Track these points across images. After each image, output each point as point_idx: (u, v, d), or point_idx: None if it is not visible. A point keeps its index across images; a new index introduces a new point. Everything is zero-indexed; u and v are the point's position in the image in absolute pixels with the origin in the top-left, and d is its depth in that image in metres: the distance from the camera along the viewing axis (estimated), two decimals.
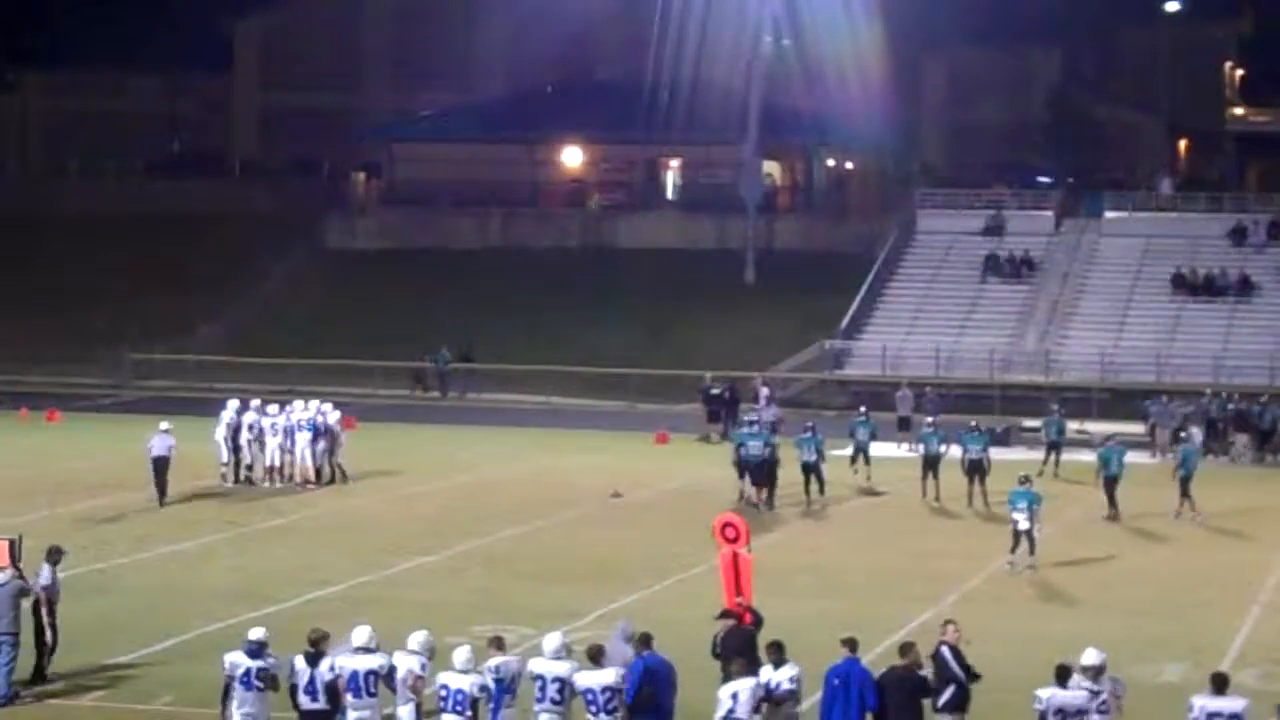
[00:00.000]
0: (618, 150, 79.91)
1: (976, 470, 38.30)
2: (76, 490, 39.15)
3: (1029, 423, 49.19)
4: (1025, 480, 31.88)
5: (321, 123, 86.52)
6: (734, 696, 17.78)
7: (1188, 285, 63.90)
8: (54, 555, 23.56)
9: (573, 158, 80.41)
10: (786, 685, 18.21)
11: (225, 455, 40.24)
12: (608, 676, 17.83)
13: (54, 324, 67.91)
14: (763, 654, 18.89)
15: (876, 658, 21.61)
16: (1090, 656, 17.80)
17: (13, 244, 74.56)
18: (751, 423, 41.54)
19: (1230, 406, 49.16)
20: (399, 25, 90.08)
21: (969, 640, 19.15)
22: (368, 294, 70.66)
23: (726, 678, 18.28)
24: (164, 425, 38.43)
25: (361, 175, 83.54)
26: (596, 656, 18.08)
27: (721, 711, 17.79)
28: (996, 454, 39.70)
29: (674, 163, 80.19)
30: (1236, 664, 24.09)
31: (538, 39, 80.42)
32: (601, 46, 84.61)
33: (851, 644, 18.58)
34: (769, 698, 17.94)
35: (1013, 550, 31.14)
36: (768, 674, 18.22)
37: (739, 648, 19.18)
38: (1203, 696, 17.17)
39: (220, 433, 40.30)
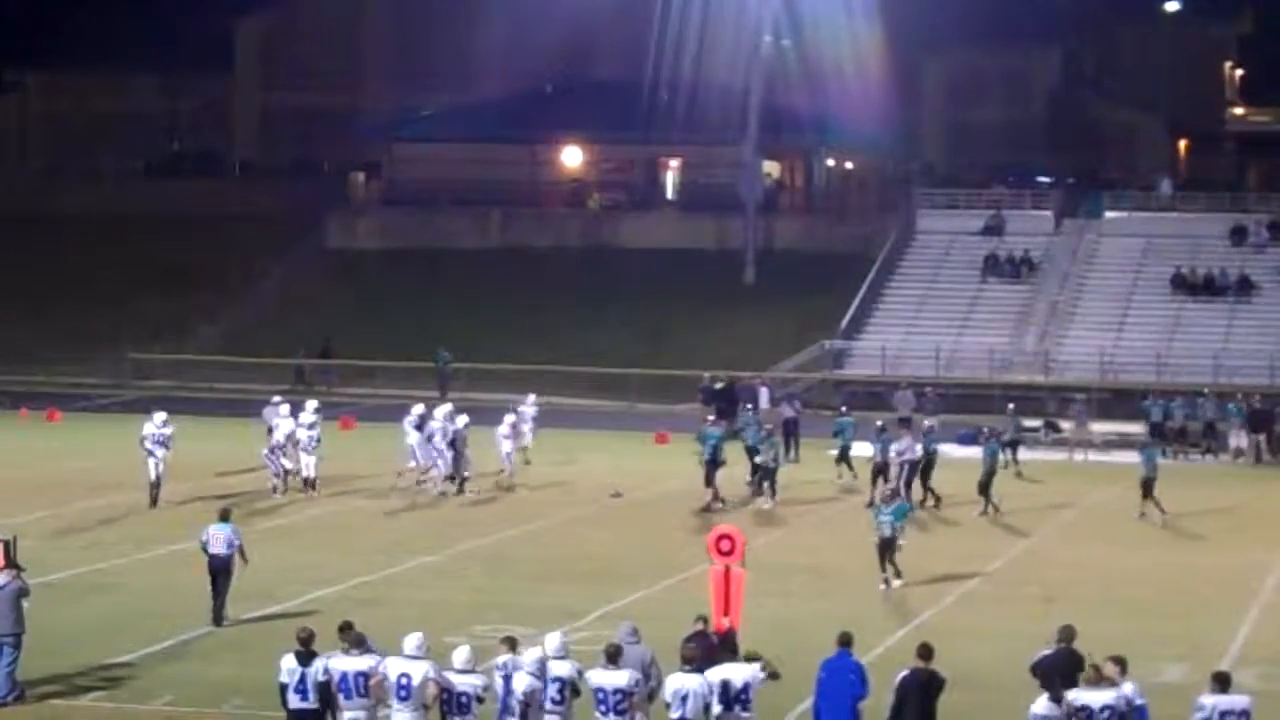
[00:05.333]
0: (618, 150, 79.84)
1: (993, 475, 38.29)
2: (76, 490, 39.10)
3: (1028, 423, 49.25)
4: (896, 494, 32.83)
5: (321, 123, 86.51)
6: (684, 699, 17.68)
7: (1188, 285, 63.86)
8: (227, 514, 26.45)
9: (573, 158, 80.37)
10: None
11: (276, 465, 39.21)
12: (621, 678, 17.71)
13: (54, 324, 67.86)
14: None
15: (876, 658, 21.62)
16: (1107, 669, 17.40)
17: (13, 244, 74.47)
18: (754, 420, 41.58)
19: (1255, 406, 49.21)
20: (399, 25, 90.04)
21: None
22: (368, 294, 70.63)
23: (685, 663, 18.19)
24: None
25: (361, 175, 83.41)
26: (615, 656, 17.93)
27: (673, 714, 17.74)
28: None
29: (674, 163, 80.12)
30: (1237, 664, 24.08)
31: (537, 39, 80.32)
32: (601, 46, 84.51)
33: (845, 639, 18.60)
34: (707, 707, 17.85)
35: (893, 566, 30.02)
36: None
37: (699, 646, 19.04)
38: (1211, 695, 17.09)
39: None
